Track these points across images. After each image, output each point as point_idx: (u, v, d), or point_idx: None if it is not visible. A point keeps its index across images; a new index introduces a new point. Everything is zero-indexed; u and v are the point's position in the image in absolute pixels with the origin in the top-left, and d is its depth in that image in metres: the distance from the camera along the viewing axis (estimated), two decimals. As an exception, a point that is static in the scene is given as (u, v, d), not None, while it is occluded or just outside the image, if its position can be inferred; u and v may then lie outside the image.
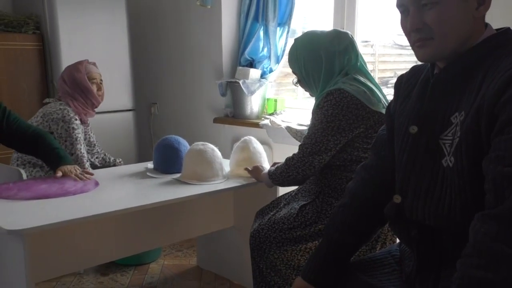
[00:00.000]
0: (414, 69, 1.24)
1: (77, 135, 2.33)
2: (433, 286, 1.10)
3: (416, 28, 1.05)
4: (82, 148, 2.37)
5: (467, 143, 0.98)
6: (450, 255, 1.06)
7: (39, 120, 2.35)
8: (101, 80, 2.52)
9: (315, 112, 1.80)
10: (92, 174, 2.11)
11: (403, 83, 1.24)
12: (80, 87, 2.42)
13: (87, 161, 2.41)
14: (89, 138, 2.56)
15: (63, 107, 2.35)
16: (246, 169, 2.12)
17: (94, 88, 2.45)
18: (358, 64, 1.84)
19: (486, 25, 1.08)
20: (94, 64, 2.53)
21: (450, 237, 1.05)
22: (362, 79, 1.79)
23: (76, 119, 2.35)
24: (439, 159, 1.06)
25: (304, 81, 1.90)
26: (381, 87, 1.88)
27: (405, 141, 1.14)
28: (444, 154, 1.05)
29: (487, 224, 0.89)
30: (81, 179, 2.00)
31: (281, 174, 1.89)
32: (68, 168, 2.03)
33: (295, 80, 1.98)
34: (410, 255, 1.22)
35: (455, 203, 1.02)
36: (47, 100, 2.52)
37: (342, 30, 1.90)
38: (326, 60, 1.81)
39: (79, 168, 2.09)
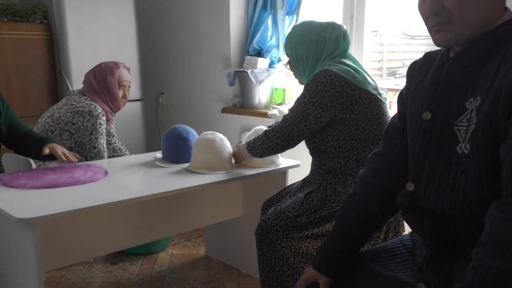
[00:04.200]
0: (427, 55, 1.22)
1: (102, 130, 2.41)
2: (447, 275, 1.08)
3: (434, 11, 1.02)
4: (104, 143, 2.46)
5: (483, 129, 0.96)
6: (464, 243, 1.04)
7: (62, 112, 2.37)
8: (129, 86, 2.58)
9: (302, 91, 1.87)
10: (79, 158, 2.10)
11: (416, 69, 1.21)
12: (108, 90, 2.47)
13: (105, 151, 2.48)
14: (109, 129, 2.62)
15: (90, 102, 2.40)
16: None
17: (120, 93, 2.51)
18: (347, 53, 1.93)
19: (506, 9, 1.05)
20: (128, 69, 2.59)
21: (464, 226, 1.04)
22: (348, 62, 1.87)
23: (103, 115, 2.41)
24: (453, 145, 1.04)
25: (293, 62, 1.99)
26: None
27: (418, 128, 1.12)
28: (458, 141, 1.02)
29: (505, 213, 0.88)
30: (67, 157, 2.01)
31: (260, 146, 1.96)
32: (55, 145, 2.04)
33: (286, 61, 2.06)
34: (422, 245, 1.21)
35: (470, 191, 1.00)
36: (71, 91, 2.54)
37: (338, 23, 1.97)
38: (316, 44, 1.89)
39: (66, 150, 2.09)
